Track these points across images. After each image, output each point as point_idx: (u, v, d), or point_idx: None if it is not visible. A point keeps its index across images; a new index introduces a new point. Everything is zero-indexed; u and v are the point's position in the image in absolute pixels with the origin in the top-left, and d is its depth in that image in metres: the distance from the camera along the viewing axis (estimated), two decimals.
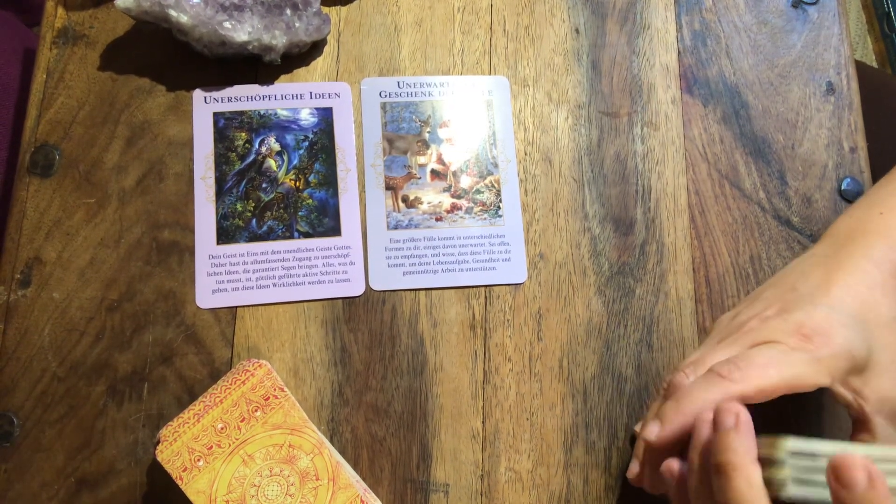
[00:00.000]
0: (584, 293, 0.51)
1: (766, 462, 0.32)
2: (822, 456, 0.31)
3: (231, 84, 0.52)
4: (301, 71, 0.53)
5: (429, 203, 0.51)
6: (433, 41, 0.55)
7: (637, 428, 0.46)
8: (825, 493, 0.31)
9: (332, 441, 0.46)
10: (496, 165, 0.53)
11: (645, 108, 0.55)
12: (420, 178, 0.52)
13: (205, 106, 0.52)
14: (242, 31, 0.49)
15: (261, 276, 0.49)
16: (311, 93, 0.53)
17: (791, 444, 0.31)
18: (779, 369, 0.34)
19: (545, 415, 0.48)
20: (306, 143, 0.52)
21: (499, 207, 0.52)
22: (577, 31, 0.56)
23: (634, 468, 0.40)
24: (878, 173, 0.55)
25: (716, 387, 0.35)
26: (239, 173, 0.50)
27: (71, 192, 0.49)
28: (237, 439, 0.41)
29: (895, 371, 0.38)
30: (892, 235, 0.41)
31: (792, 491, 0.31)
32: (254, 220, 0.50)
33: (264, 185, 0.50)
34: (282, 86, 0.53)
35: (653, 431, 0.36)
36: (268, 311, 0.48)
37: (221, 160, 0.51)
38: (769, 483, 0.32)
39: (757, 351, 0.36)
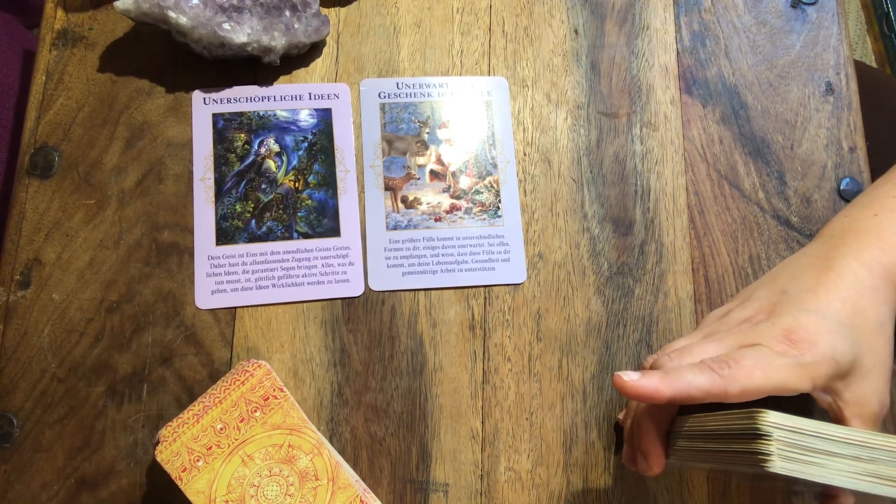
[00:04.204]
0: (583, 293, 0.51)
1: (750, 435, 0.32)
2: (806, 433, 0.31)
3: (230, 85, 0.52)
4: (300, 72, 0.53)
5: (428, 204, 0.52)
6: (432, 42, 0.55)
7: (620, 416, 0.47)
8: (809, 471, 0.30)
9: (331, 441, 0.46)
10: (495, 166, 0.53)
11: (644, 108, 0.55)
12: (419, 178, 0.52)
13: (204, 107, 0.52)
14: (241, 32, 0.49)
15: (260, 276, 0.49)
16: (310, 94, 0.53)
17: (774, 416, 0.31)
18: (764, 372, 0.35)
19: (545, 415, 0.48)
20: (305, 144, 0.52)
21: (498, 208, 0.52)
22: (575, 31, 0.56)
23: (625, 449, 0.44)
24: (877, 173, 0.55)
25: (704, 375, 0.35)
26: (238, 174, 0.50)
27: (70, 193, 0.49)
28: (236, 440, 0.41)
29: (876, 375, 0.38)
30: (886, 238, 0.41)
31: (778, 465, 0.31)
32: (253, 221, 0.50)
33: (263, 186, 0.50)
34: (281, 87, 0.53)
35: (630, 376, 0.36)
36: (267, 312, 0.48)
37: (221, 161, 0.51)
38: (753, 455, 0.31)
39: (744, 353, 0.36)
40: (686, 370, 0.36)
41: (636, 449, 0.41)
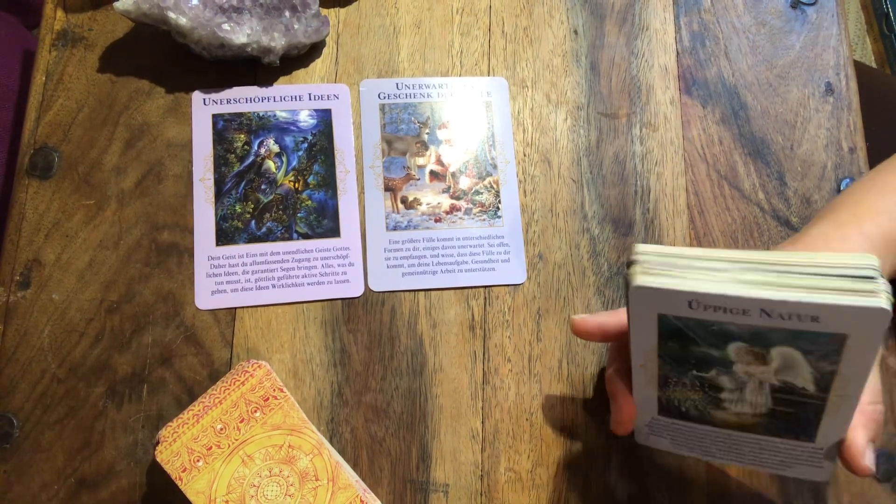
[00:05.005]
0: (583, 294, 0.51)
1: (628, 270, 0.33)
2: (669, 255, 0.33)
3: (230, 86, 0.52)
4: (300, 73, 0.53)
5: (428, 204, 0.52)
6: (432, 43, 0.55)
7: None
8: (671, 283, 0.32)
9: (331, 441, 0.46)
10: (495, 166, 0.53)
11: (644, 109, 0.55)
12: (419, 179, 0.52)
13: (204, 108, 0.52)
14: (241, 33, 0.49)
15: (260, 277, 0.49)
16: (309, 94, 0.53)
17: (642, 246, 0.33)
18: None
19: (545, 415, 0.48)
20: (305, 145, 0.52)
21: (498, 208, 0.52)
22: (575, 32, 0.56)
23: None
24: None
25: None
26: (238, 175, 0.51)
27: (70, 193, 0.49)
28: (236, 440, 0.41)
29: None
30: (859, 204, 0.43)
31: (639, 279, 0.32)
32: (253, 222, 0.50)
33: (263, 187, 0.50)
34: (281, 87, 0.53)
35: (580, 315, 0.42)
36: (267, 312, 0.48)
37: (220, 162, 0.51)
38: (626, 280, 0.33)
39: None
40: None
41: (609, 398, 0.43)
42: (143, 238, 0.49)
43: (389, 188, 0.52)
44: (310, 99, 0.53)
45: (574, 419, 0.48)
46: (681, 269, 0.32)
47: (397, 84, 0.54)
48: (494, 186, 0.52)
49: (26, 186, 0.49)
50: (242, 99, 0.52)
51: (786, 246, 0.43)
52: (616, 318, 0.41)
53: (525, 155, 0.53)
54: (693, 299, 0.32)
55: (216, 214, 0.50)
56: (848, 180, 0.54)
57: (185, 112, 0.51)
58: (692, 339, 0.34)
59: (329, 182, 0.51)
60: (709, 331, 0.33)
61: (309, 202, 0.51)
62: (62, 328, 0.47)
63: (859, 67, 0.65)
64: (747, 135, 0.55)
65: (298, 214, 0.50)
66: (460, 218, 0.51)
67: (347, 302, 0.49)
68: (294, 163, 0.51)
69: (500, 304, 0.50)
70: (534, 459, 0.47)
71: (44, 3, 0.53)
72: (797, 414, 0.36)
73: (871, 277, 0.29)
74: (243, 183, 0.50)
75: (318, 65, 0.54)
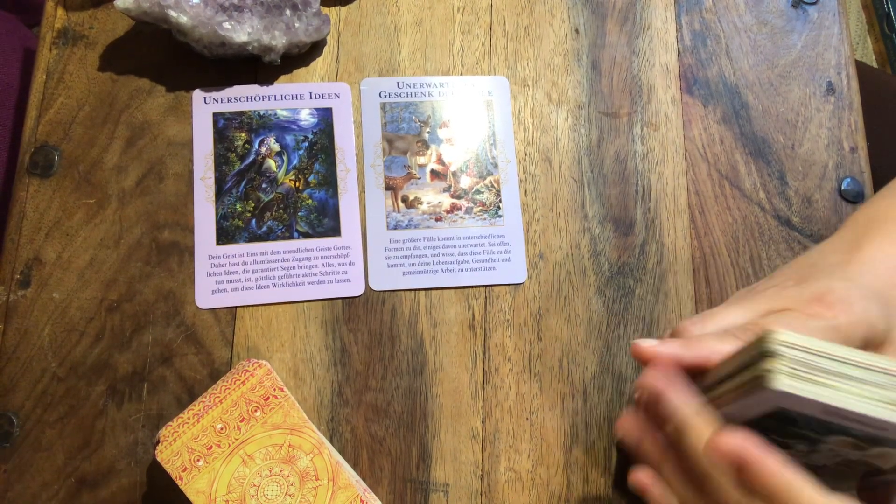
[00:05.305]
0: (583, 293, 0.51)
1: (758, 358, 0.30)
2: (821, 354, 0.29)
3: (231, 84, 0.52)
4: (301, 71, 0.53)
5: (428, 203, 0.51)
6: (433, 41, 0.55)
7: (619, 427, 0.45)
8: (820, 392, 0.28)
9: (331, 441, 0.46)
10: (496, 165, 0.53)
11: (645, 108, 0.55)
12: (420, 178, 0.52)
13: (204, 106, 0.52)
14: (242, 31, 0.49)
15: (260, 276, 0.49)
16: (310, 93, 0.53)
17: (784, 335, 0.29)
18: None
19: (545, 415, 0.48)
20: (306, 144, 0.52)
21: (498, 207, 0.52)
22: (576, 31, 0.56)
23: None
24: (878, 173, 0.55)
25: (728, 343, 0.34)
26: (238, 174, 0.50)
27: (71, 192, 0.49)
28: (237, 439, 0.41)
29: None
30: None
31: (783, 382, 0.28)
32: (253, 221, 0.50)
33: (264, 186, 0.50)
34: (281, 86, 0.53)
35: (648, 342, 0.35)
36: (267, 312, 0.48)
37: (221, 160, 0.51)
38: (758, 378, 0.29)
39: (773, 318, 0.34)
40: (709, 338, 0.34)
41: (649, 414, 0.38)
42: (144, 237, 0.49)
43: (390, 187, 0.52)
44: (310, 98, 0.53)
45: (574, 419, 0.48)
46: (825, 373, 0.29)
47: (398, 83, 0.54)
48: (495, 185, 0.52)
49: (27, 185, 0.49)
50: (243, 97, 0.52)
51: (835, 264, 0.39)
52: (694, 353, 0.35)
53: (526, 154, 0.53)
54: (835, 412, 0.29)
55: (217, 213, 0.50)
56: (849, 180, 0.54)
57: (185, 111, 0.51)
58: (797, 422, 0.31)
59: (330, 181, 0.51)
60: (821, 424, 0.30)
61: (309, 201, 0.51)
62: (62, 327, 0.47)
63: (860, 67, 0.65)
64: (748, 134, 0.55)
65: (299, 213, 0.50)
66: (461, 217, 0.51)
67: (348, 301, 0.49)
68: (295, 161, 0.51)
69: (500, 304, 0.50)
70: (534, 459, 0.47)
71: (44, 1, 0.53)
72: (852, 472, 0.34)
73: None
74: (244, 182, 0.50)
75: (319, 63, 0.54)
